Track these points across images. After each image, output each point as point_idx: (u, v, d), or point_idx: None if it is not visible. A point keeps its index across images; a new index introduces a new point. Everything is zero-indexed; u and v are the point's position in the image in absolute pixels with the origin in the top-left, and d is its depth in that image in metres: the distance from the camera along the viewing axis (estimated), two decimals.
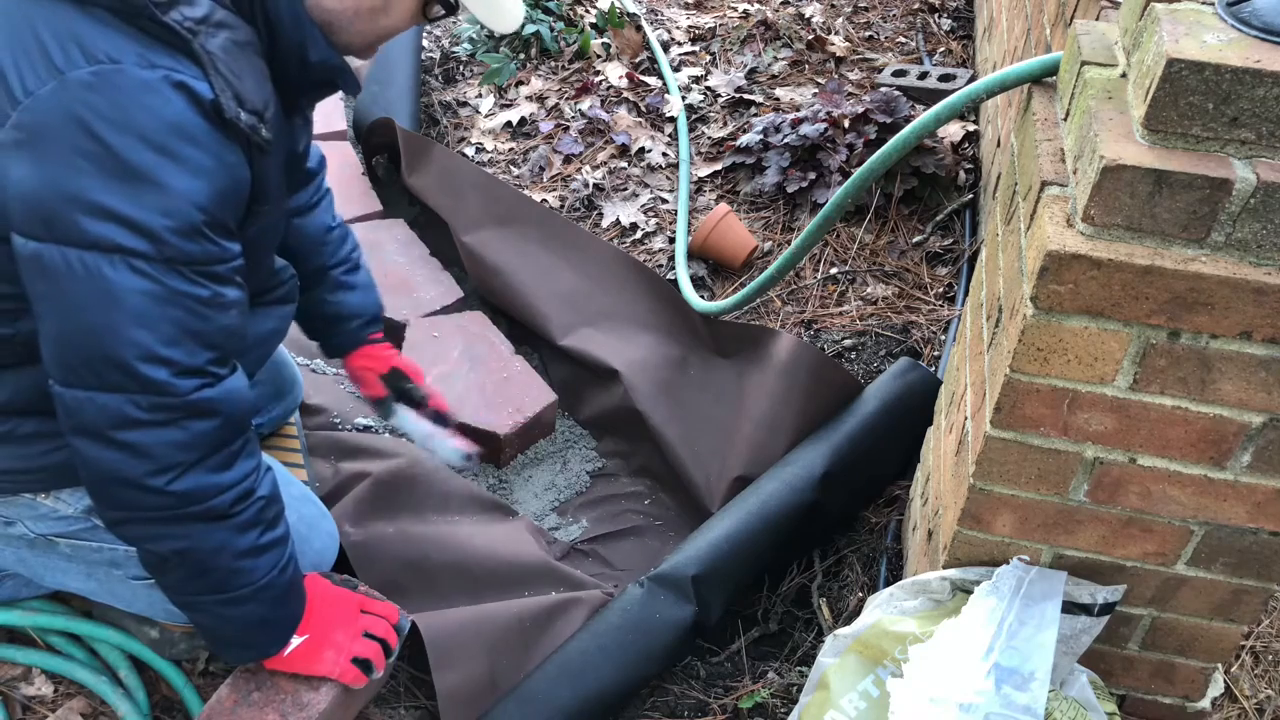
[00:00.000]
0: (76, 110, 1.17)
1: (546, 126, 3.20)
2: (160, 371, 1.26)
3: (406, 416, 2.05)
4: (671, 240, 2.85)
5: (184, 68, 1.22)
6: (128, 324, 1.24)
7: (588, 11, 3.62)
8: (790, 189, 2.83)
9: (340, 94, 3.14)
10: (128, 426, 1.28)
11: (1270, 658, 1.79)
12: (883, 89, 3.00)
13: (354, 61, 3.35)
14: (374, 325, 2.03)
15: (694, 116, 3.25)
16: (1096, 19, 1.64)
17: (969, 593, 1.44)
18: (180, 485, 1.32)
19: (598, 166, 3.07)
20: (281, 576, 1.47)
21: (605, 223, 2.91)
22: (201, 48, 1.22)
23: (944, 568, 1.52)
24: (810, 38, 3.51)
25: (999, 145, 2.51)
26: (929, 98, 2.98)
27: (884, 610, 1.52)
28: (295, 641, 1.56)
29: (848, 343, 2.49)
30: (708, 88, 3.34)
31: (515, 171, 3.10)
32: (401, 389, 2.05)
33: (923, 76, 3.13)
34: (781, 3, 3.73)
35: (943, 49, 3.44)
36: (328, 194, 1.95)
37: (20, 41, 1.18)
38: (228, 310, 1.32)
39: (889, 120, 2.84)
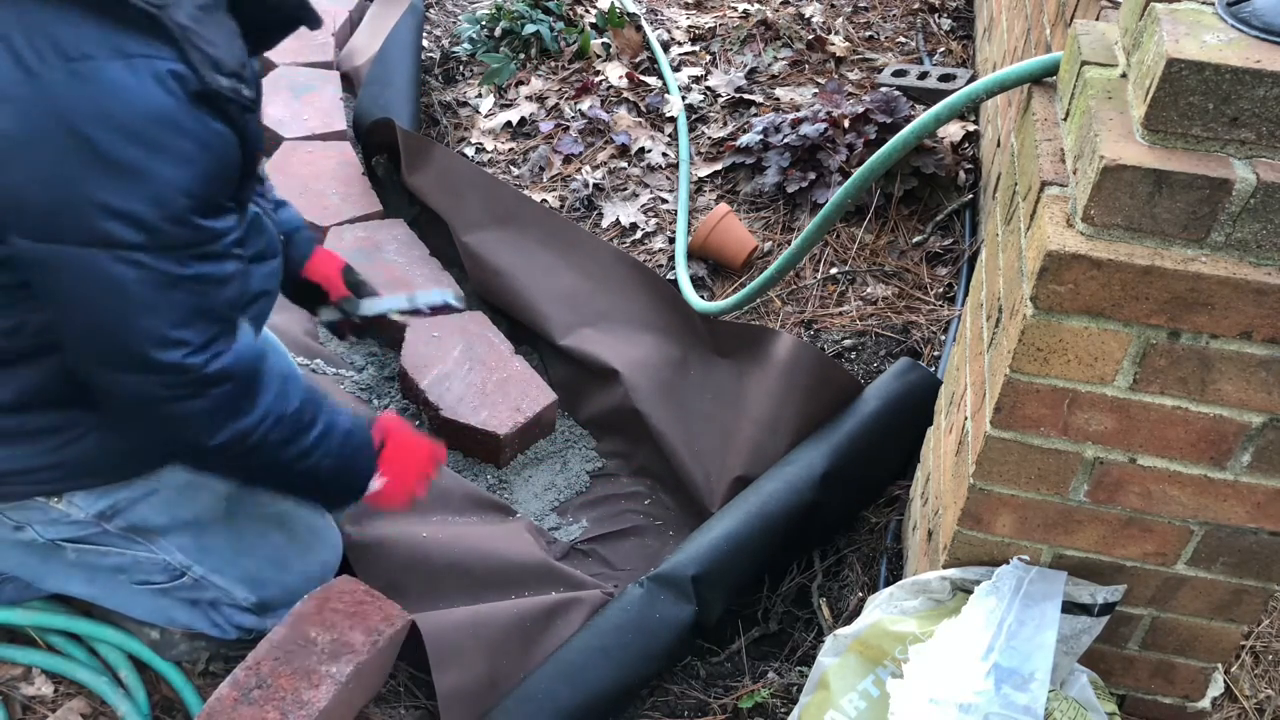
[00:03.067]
0: (57, 111, 1.16)
1: (546, 126, 3.20)
2: (174, 354, 1.31)
3: (377, 299, 2.08)
4: (671, 240, 2.85)
5: (157, 50, 1.20)
6: (136, 314, 1.28)
7: (588, 11, 3.62)
8: (790, 189, 2.83)
9: (339, 91, 3.14)
10: (158, 404, 1.35)
11: (1270, 658, 1.79)
12: (883, 89, 3.00)
13: (357, 59, 3.36)
14: (308, 231, 2.02)
15: (694, 116, 3.24)
16: (1096, 19, 1.64)
17: (969, 593, 1.44)
18: (218, 439, 1.41)
19: (598, 166, 3.07)
20: (335, 458, 1.56)
21: (605, 223, 2.91)
22: (172, 22, 1.19)
23: (944, 568, 1.52)
24: (810, 38, 3.51)
25: (999, 145, 2.51)
26: (929, 98, 2.98)
27: (884, 610, 1.52)
28: (375, 485, 1.65)
29: (848, 343, 2.49)
30: (708, 88, 3.34)
31: (515, 171, 3.10)
32: (357, 282, 2.05)
33: (923, 76, 3.13)
34: (781, 3, 3.72)
35: (943, 49, 3.44)
36: None
37: None
38: (228, 284, 1.36)
39: (889, 120, 2.84)
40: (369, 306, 2.08)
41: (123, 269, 1.24)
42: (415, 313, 2.13)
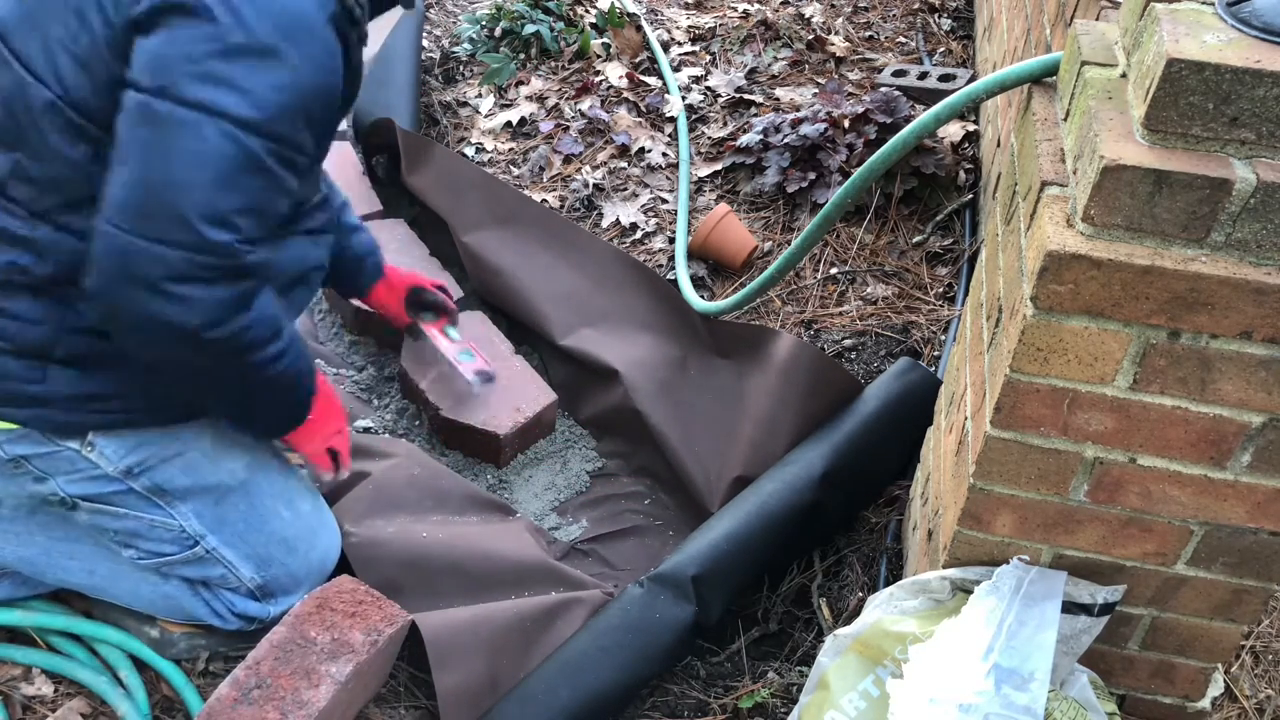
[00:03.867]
0: None
1: (546, 126, 3.20)
2: (226, 235, 1.35)
3: (433, 342, 2.37)
4: (671, 240, 2.85)
5: None
6: (210, 184, 1.32)
7: (588, 11, 3.62)
8: (790, 189, 2.83)
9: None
10: (182, 281, 1.35)
11: (1270, 658, 1.79)
12: (883, 89, 3.00)
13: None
14: (380, 257, 2.16)
15: (694, 116, 3.24)
16: (1096, 19, 1.64)
17: (969, 593, 1.44)
18: (219, 332, 1.41)
19: (598, 166, 3.07)
20: (301, 363, 1.59)
21: (605, 223, 2.91)
22: None
23: (944, 567, 1.52)
24: (810, 38, 3.51)
25: (999, 145, 2.51)
26: (929, 98, 2.98)
27: (884, 610, 1.52)
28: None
29: (848, 343, 2.49)
30: (708, 88, 3.34)
31: (515, 171, 3.10)
32: (422, 302, 2.23)
33: (923, 76, 3.13)
34: (781, 3, 3.73)
35: (943, 49, 3.44)
36: None
37: None
38: (288, 197, 1.44)
39: (889, 120, 2.84)
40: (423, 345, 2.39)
41: (221, 140, 1.31)
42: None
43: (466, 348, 2.40)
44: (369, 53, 3.30)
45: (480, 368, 2.37)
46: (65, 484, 1.57)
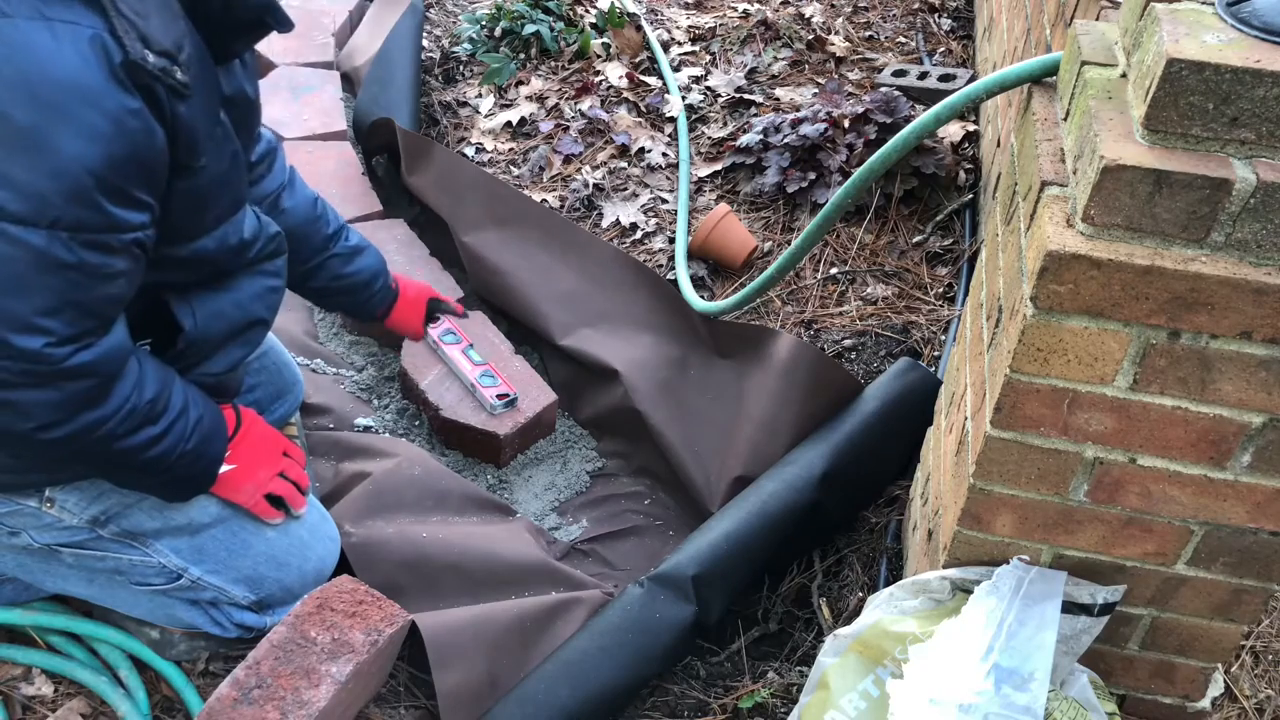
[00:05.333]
0: None
1: (546, 126, 3.20)
2: (34, 341, 1.23)
3: (454, 365, 2.42)
4: (671, 240, 2.85)
5: (81, 16, 1.15)
6: (1, 292, 1.20)
7: (588, 11, 3.62)
8: (790, 189, 2.83)
9: (339, 91, 3.16)
10: (1, 388, 1.26)
11: (1270, 658, 1.79)
12: (883, 89, 3.00)
13: (357, 59, 3.36)
14: (389, 276, 2.05)
15: (694, 116, 3.24)
16: (1096, 19, 1.64)
17: (969, 593, 1.44)
18: (62, 432, 1.31)
19: (598, 166, 3.07)
20: (186, 444, 1.47)
21: (605, 223, 2.91)
22: None
23: (944, 567, 1.52)
24: (810, 38, 3.51)
25: (999, 145, 2.51)
26: (929, 98, 2.98)
27: (884, 610, 1.52)
28: (223, 468, 1.58)
29: (848, 343, 2.49)
30: (708, 88, 3.34)
31: (515, 171, 3.10)
32: (438, 312, 2.16)
33: (923, 76, 3.13)
34: (781, 3, 3.72)
35: (943, 49, 3.44)
36: (293, 169, 1.93)
37: None
38: (114, 280, 1.28)
39: (889, 120, 2.84)
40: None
41: None
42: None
43: (487, 369, 2.41)
44: (368, 53, 3.31)
45: (502, 391, 2.37)
46: (37, 535, 1.56)
